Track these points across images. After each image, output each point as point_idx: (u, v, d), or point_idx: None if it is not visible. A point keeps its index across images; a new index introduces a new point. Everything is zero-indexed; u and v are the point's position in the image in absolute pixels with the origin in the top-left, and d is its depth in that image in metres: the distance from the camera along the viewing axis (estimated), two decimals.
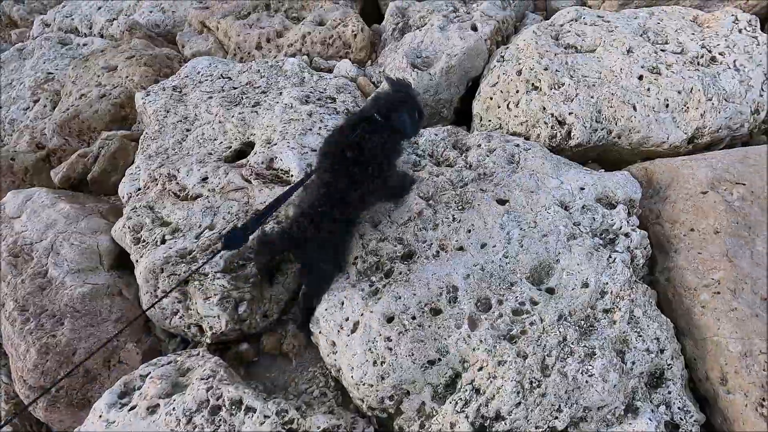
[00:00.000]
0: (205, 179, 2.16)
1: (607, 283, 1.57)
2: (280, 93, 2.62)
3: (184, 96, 2.76)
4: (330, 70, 2.94)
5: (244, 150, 2.43)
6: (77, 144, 2.95)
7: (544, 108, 2.17)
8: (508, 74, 2.32)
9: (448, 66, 2.51)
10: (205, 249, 1.89)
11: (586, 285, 1.56)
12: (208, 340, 1.85)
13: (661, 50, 2.22)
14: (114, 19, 3.99)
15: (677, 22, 2.44)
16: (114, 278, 2.07)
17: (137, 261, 1.96)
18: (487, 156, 2.02)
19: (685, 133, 2.01)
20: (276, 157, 2.19)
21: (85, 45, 3.75)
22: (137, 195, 2.22)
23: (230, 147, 2.40)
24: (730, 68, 2.08)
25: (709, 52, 2.17)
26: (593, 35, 2.39)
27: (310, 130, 2.29)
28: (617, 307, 1.53)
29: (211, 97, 2.66)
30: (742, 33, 2.22)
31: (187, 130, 2.57)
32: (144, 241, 2.00)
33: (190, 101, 2.69)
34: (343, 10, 3.22)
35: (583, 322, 1.51)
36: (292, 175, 2.13)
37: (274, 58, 3.08)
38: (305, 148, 2.21)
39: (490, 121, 2.31)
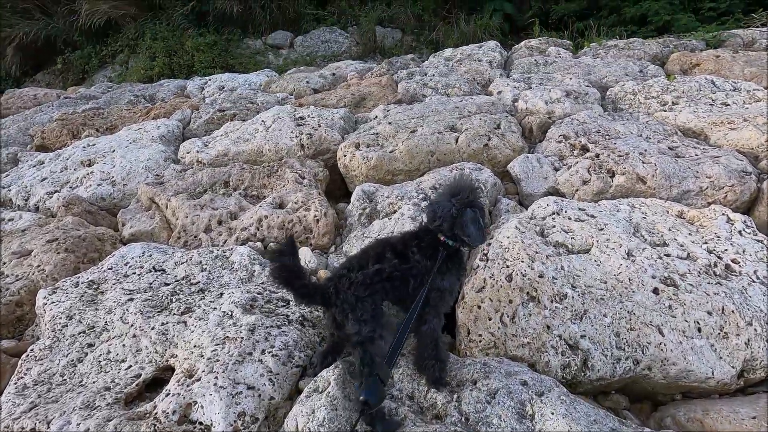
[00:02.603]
0: None
1: None
2: (221, 294, 2.06)
3: (99, 295, 2.15)
4: None
5: (160, 378, 1.75)
6: None
7: (548, 327, 1.70)
8: (496, 279, 1.90)
9: None
10: None
11: None
12: None
13: (665, 254, 1.90)
14: (56, 191, 3.56)
15: (665, 218, 2.20)
16: None
17: None
18: (488, 404, 1.43)
19: (733, 368, 1.54)
20: (195, 403, 1.51)
21: (10, 221, 3.22)
22: None
23: (139, 375, 1.71)
24: (755, 282, 1.74)
25: (720, 258, 1.85)
26: (582, 233, 2.09)
27: (250, 354, 1.68)
28: None
29: (131, 299, 2.06)
30: (744, 236, 1.97)
31: (90, 346, 1.89)
32: None
33: (104, 303, 2.07)
34: (306, 191, 2.92)
35: None
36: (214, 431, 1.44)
37: (223, 244, 2.62)
38: (239, 385, 1.56)
39: (480, 336, 1.80)
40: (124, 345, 1.85)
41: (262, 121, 3.96)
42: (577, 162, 2.85)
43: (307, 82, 5.51)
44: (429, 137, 3.24)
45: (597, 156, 2.85)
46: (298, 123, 3.79)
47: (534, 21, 7.58)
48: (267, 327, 1.84)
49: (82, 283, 2.22)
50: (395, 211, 2.54)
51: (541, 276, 1.84)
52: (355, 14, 8.63)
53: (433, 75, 5.02)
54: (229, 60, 7.83)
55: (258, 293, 2.06)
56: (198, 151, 3.70)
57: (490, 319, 1.82)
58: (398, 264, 1.60)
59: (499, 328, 1.78)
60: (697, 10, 7.02)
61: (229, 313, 1.90)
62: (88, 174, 3.63)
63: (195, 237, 2.69)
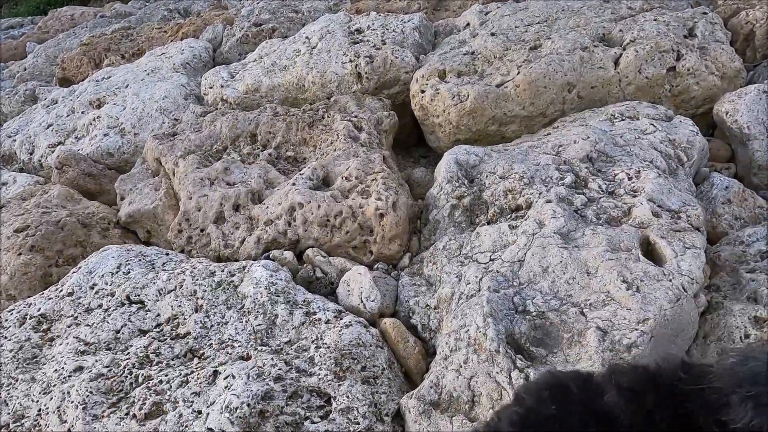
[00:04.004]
0: None
1: None
2: (214, 375, 1.18)
3: (45, 346, 1.37)
4: (331, 286, 1.51)
5: None
6: None
7: None
8: None
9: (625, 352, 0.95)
10: None
11: None
12: None
13: None
14: (59, 143, 2.82)
15: None
16: None
17: None
18: None
19: None
20: None
21: (4, 185, 2.55)
22: None
23: None
24: None
25: None
26: None
27: None
28: None
29: (80, 368, 1.25)
30: None
31: None
32: None
33: (46, 368, 1.28)
34: (364, 156, 1.84)
35: None
36: None
37: (240, 245, 1.69)
38: None
39: None
40: None
41: (306, 38, 2.78)
42: None
43: None
44: (565, 58, 1.91)
45: None
46: (353, 40, 2.57)
47: None
48: None
49: (30, 317, 1.45)
50: (518, 209, 1.40)
51: None
52: None
53: None
54: None
55: (277, 376, 1.14)
56: (222, 86, 2.68)
57: None
58: None
59: None
60: None
61: None
62: (95, 119, 2.81)
63: (201, 231, 1.79)
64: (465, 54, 2.20)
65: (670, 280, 1.02)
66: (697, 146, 1.49)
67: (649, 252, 1.14)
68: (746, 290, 1.07)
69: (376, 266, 1.57)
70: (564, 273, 1.12)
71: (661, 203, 1.24)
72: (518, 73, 1.92)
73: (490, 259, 1.27)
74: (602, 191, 1.33)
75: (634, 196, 1.27)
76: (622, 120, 1.66)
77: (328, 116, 2.16)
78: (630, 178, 1.34)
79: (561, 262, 1.13)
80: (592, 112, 1.83)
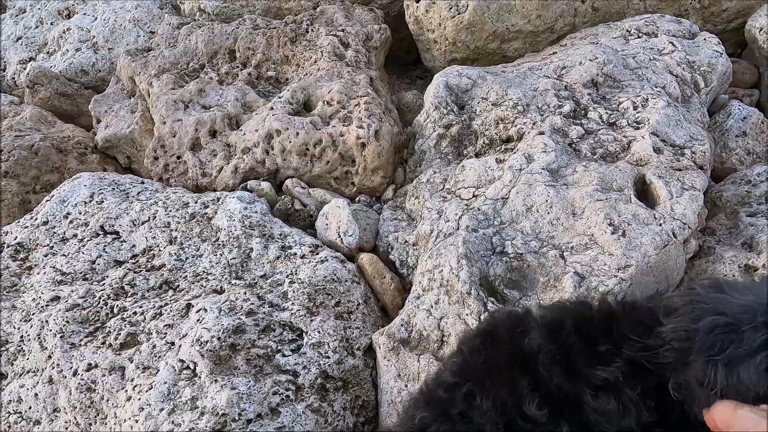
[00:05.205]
0: None
1: None
2: (187, 308, 1.16)
3: (24, 275, 1.36)
4: (310, 219, 1.44)
5: None
6: None
7: None
8: None
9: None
10: None
11: None
12: None
13: None
14: (31, 59, 2.61)
15: None
16: None
17: None
18: None
19: None
20: None
21: None
22: None
23: None
24: None
25: None
26: None
27: None
28: None
29: (57, 297, 1.25)
30: None
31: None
32: None
33: (26, 296, 1.29)
34: (349, 77, 1.66)
35: None
36: None
37: (217, 174, 1.60)
38: None
39: None
40: (37, 395, 1.11)
41: None
42: None
43: None
44: None
45: None
46: None
47: None
48: (253, 413, 0.96)
49: (8, 246, 1.43)
50: (509, 140, 1.27)
51: None
52: None
53: None
54: None
55: (249, 310, 1.12)
56: None
57: None
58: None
59: None
60: None
61: (190, 367, 1.03)
62: (65, 31, 2.58)
63: (178, 159, 1.69)
64: None
65: (660, 225, 0.93)
66: (719, 70, 1.30)
67: (644, 192, 1.04)
68: (743, 235, 0.99)
69: (358, 198, 1.50)
70: (548, 213, 1.04)
71: (665, 137, 1.11)
72: None
73: (473, 195, 1.18)
74: (602, 122, 1.19)
75: (637, 128, 1.14)
76: (639, 37, 1.45)
77: (312, 30, 1.94)
78: (635, 108, 1.19)
79: (546, 201, 1.04)
80: (607, 26, 1.60)
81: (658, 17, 1.53)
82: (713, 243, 1.01)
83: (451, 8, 1.73)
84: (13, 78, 2.61)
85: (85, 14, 2.62)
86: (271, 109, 1.60)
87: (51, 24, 2.69)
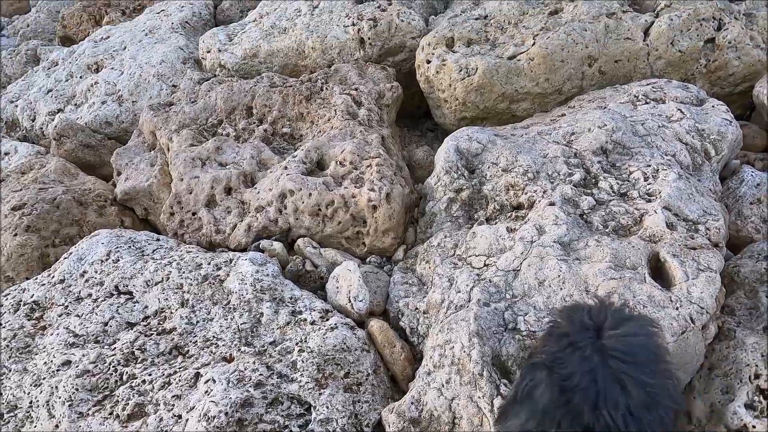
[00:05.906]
0: None
1: None
2: (196, 378, 1.16)
3: (38, 335, 1.37)
4: (321, 281, 1.44)
5: None
6: None
7: None
8: None
9: None
10: None
11: None
12: None
13: None
14: (59, 110, 2.74)
15: None
16: None
17: None
18: None
19: None
20: None
21: (6, 155, 2.52)
22: None
23: None
24: None
25: None
26: None
27: None
28: None
29: (68, 362, 1.25)
30: None
31: None
32: None
33: (37, 359, 1.29)
34: (361, 137, 1.71)
35: None
36: None
37: (231, 232, 1.63)
38: None
39: None
40: None
41: None
42: None
43: None
44: (587, 26, 1.68)
45: None
46: None
47: None
48: None
49: (24, 304, 1.45)
50: (520, 207, 1.28)
51: None
52: None
53: None
54: None
55: (258, 382, 1.11)
56: (220, 50, 2.52)
57: None
58: None
59: None
60: None
61: None
62: (93, 85, 2.71)
63: (193, 215, 1.73)
64: (477, 18, 1.98)
65: (677, 308, 0.91)
66: (729, 138, 1.31)
67: (659, 270, 1.03)
68: (764, 318, 0.96)
69: (368, 259, 1.50)
70: (561, 289, 1.02)
71: (678, 211, 1.10)
72: (533, 44, 1.71)
73: (485, 264, 1.17)
74: (613, 192, 1.20)
75: (649, 201, 1.13)
76: (647, 103, 1.47)
77: (326, 88, 2.01)
78: (646, 178, 1.19)
79: (559, 276, 1.03)
80: (614, 90, 1.63)
81: (665, 82, 1.55)
82: (733, 325, 0.98)
83: (461, 70, 1.79)
84: (41, 128, 2.73)
85: (112, 68, 2.76)
86: (285, 168, 1.64)
87: (80, 77, 2.84)
